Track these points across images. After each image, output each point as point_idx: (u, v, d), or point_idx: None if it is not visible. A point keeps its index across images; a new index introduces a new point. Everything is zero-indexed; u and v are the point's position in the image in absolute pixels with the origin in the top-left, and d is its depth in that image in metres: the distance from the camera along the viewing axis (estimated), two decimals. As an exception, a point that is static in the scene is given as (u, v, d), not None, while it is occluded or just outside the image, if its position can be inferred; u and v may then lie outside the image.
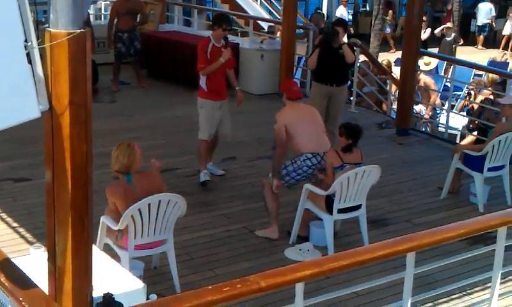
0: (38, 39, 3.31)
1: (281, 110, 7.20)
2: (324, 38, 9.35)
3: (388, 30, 23.67)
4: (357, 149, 6.83)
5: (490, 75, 13.23)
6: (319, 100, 9.11)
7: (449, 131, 11.34)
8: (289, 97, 7.19)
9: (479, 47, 24.99)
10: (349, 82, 10.36)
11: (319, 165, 6.95)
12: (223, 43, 8.15)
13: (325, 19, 20.09)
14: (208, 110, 8.19)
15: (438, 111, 13.60)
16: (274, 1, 21.81)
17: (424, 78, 13.25)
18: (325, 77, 9.13)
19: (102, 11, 16.05)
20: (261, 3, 21.15)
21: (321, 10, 24.04)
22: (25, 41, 3.24)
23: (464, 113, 12.68)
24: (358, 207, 6.78)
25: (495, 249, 4.92)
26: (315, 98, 9.22)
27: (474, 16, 26.03)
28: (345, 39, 9.94)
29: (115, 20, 12.30)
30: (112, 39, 12.28)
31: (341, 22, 10.51)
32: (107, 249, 5.68)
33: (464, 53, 20.97)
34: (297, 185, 7.10)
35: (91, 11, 14.48)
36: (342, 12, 23.25)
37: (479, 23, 25.64)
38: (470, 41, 25.11)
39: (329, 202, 6.66)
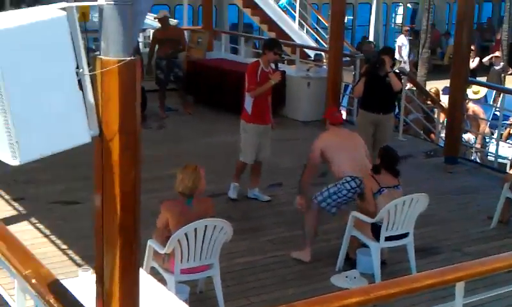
0: (89, 66, 3.38)
1: (321, 134, 7.28)
2: (371, 67, 9.33)
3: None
4: (393, 174, 6.76)
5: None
6: (365, 127, 9.08)
7: (499, 160, 11.17)
8: (331, 122, 7.26)
9: None
10: (396, 110, 10.30)
11: (359, 189, 6.92)
12: (271, 69, 8.23)
13: (374, 48, 20.06)
14: (252, 135, 8.28)
15: (487, 140, 13.40)
16: (320, 29, 21.86)
17: (472, 107, 13.08)
18: (372, 105, 9.11)
19: (150, 39, 16.29)
20: (307, 31, 21.22)
21: (368, 38, 24.03)
22: (77, 68, 3.31)
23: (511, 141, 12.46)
24: (406, 235, 6.70)
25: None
26: (361, 126, 9.21)
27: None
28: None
29: (156, 48, 12.51)
30: (153, 66, 12.51)
31: (388, 50, 10.48)
32: (154, 272, 5.72)
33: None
34: (338, 210, 7.07)
35: (140, 39, 14.74)
36: (403, 41, 22.95)
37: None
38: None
39: (375, 229, 6.60)
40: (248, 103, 8.29)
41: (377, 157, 6.95)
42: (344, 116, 13.38)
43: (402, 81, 9.76)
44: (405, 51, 22.51)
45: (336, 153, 6.99)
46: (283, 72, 12.79)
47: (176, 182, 5.77)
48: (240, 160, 8.49)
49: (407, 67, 21.82)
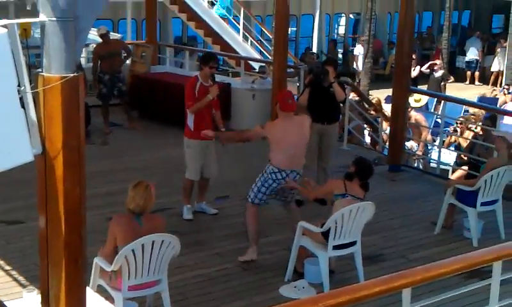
0: (30, 84, 3.33)
1: (273, 122, 7.42)
2: (314, 77, 9.42)
3: None
4: (362, 187, 6.84)
5: (477, 110, 13.32)
6: (311, 137, 9.14)
7: (441, 166, 11.39)
8: (282, 108, 7.27)
9: (467, 82, 25.30)
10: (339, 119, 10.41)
11: (283, 181, 7.17)
12: (211, 82, 8.24)
13: (317, 59, 20.29)
14: (195, 150, 8.26)
15: (429, 147, 13.66)
16: (264, 41, 22.00)
17: (414, 115, 13.34)
18: (316, 116, 9.13)
19: (93, 55, 16.13)
20: (252, 44, 21.33)
21: (311, 49, 24.28)
22: (18, 85, 3.26)
23: (453, 148, 12.74)
24: (353, 244, 6.77)
25: (490, 283, 4.91)
26: None
27: (461, 53, 26.44)
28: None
29: (99, 63, 12.41)
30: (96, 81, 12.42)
31: (331, 61, 10.61)
32: (101, 290, 5.65)
33: (454, 89, 21.14)
34: (266, 201, 7.30)
35: (83, 54, 14.58)
36: (360, 50, 22.97)
37: (467, 59, 26.01)
38: (458, 77, 25.39)
39: (326, 236, 6.65)
40: (190, 119, 8.28)
41: (351, 165, 6.93)
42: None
43: (346, 91, 9.86)
44: (361, 61, 22.66)
45: (277, 144, 7.15)
46: (227, 85, 12.88)
47: (127, 199, 5.71)
48: (186, 178, 8.44)
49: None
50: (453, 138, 12.87)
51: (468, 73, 25.91)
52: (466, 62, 26.17)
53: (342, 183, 6.83)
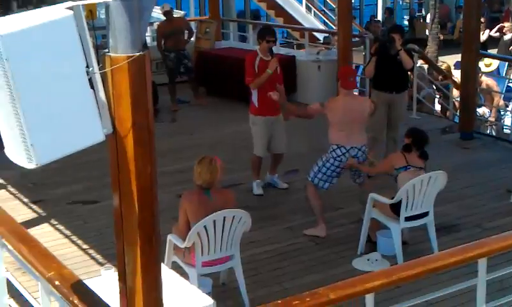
0: (98, 64, 3.37)
1: (334, 102, 7.32)
2: (381, 46, 9.26)
3: None
4: (421, 157, 6.73)
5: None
6: (379, 107, 9.00)
7: (515, 132, 11.08)
8: (342, 86, 7.23)
9: None
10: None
11: (345, 158, 7.09)
12: (271, 56, 8.16)
13: (382, 27, 19.95)
14: (261, 127, 8.21)
15: (502, 113, 13.29)
16: (328, 12, 21.76)
17: (485, 81, 12.98)
18: (384, 85, 9.02)
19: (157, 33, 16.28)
20: (315, 14, 21.12)
21: (376, 18, 23.89)
22: (87, 66, 3.30)
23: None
24: (426, 214, 6.67)
25: None
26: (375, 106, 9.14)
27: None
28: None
29: (163, 41, 12.50)
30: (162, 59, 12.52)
31: (397, 28, 10.37)
32: (176, 266, 5.73)
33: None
34: (331, 184, 7.24)
35: (148, 33, 14.73)
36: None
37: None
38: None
39: (396, 208, 6.57)
40: (254, 95, 8.24)
41: (405, 136, 6.89)
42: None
43: (414, 59, 9.66)
44: None
45: (336, 122, 7.10)
46: (291, 57, 12.80)
47: (194, 175, 5.77)
48: (254, 155, 8.44)
49: None
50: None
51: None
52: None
53: (402, 156, 6.74)
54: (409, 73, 9.51)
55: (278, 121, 8.34)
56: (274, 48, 8.44)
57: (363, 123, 7.28)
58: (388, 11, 25.68)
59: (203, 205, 5.65)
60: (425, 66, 13.71)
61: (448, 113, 12.63)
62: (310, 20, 20.50)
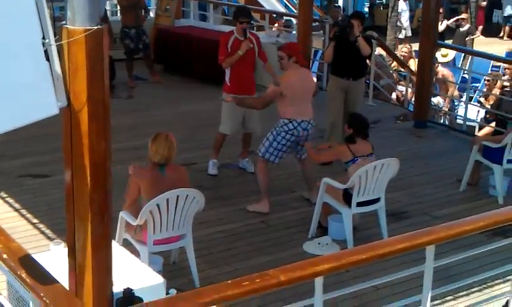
0: (55, 36, 3.32)
1: (288, 77, 7.41)
2: (339, 31, 9.29)
3: None
4: (366, 141, 6.83)
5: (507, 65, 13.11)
6: (336, 93, 9.07)
7: (467, 123, 11.26)
8: (300, 61, 7.46)
9: (505, 38, 24.74)
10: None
11: (296, 131, 7.25)
12: (248, 37, 8.18)
13: (342, 12, 20.00)
14: (231, 105, 8.17)
15: (456, 103, 13.50)
16: (289, -5, 21.71)
17: (441, 71, 13.16)
18: (341, 71, 9.02)
19: (119, 7, 16.07)
20: (277, -4, 21.06)
21: (337, 3, 23.96)
22: (43, 38, 3.24)
23: (479, 104, 12.57)
24: (377, 200, 6.76)
25: (515, 242, 4.88)
26: (332, 92, 9.17)
27: (498, 6, 25.82)
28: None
29: (120, 17, 12.32)
30: (120, 35, 12.33)
31: (357, 14, 10.40)
32: (126, 244, 5.70)
33: (487, 44, 20.77)
34: (281, 159, 7.40)
35: (107, 7, 14.52)
36: (402, 7, 22.42)
37: (506, 14, 25.40)
38: (494, 32, 24.88)
39: (347, 195, 6.64)
40: (226, 73, 8.26)
41: (346, 128, 6.99)
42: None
43: (372, 46, 9.72)
44: (405, 17, 22.22)
45: (288, 97, 7.23)
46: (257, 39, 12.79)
47: (149, 153, 5.73)
48: (219, 132, 8.40)
49: (408, 33, 21.68)
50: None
51: (506, 28, 25.23)
52: (504, 17, 25.52)
53: (347, 149, 6.80)
54: (367, 61, 9.55)
55: None
56: (234, 29, 8.41)
57: (311, 96, 7.51)
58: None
59: (156, 181, 5.63)
60: (385, 54, 13.83)
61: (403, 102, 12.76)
62: (271, 2, 20.44)
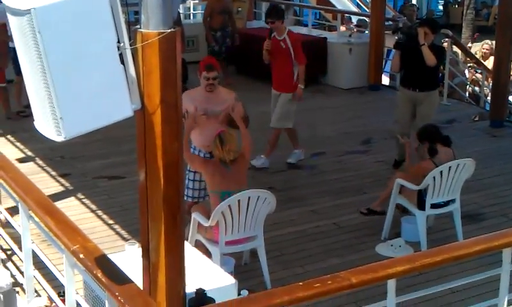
0: (129, 40, 3.38)
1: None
2: (405, 38, 8.89)
3: None
4: (447, 148, 6.67)
5: None
6: (402, 105, 8.35)
7: (546, 122, 10.92)
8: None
9: None
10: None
11: None
12: (285, 37, 8.34)
13: (417, 10, 19.68)
14: (272, 98, 8.57)
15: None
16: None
17: (519, 69, 12.77)
18: (408, 81, 8.26)
19: (191, 10, 16.26)
20: (349, -4, 20.90)
21: (411, 1, 23.59)
22: (118, 42, 3.31)
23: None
24: (452, 202, 6.61)
25: None
26: (399, 103, 8.50)
27: None
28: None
29: (208, 19, 12.41)
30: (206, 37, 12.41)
31: (426, 21, 9.44)
32: (199, 245, 5.76)
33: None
34: None
35: (180, 10, 14.70)
36: None
37: None
38: None
39: (421, 197, 6.53)
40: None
41: (422, 144, 6.69)
42: (388, 82, 13.23)
43: (446, 44, 9.43)
44: None
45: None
46: (323, 39, 12.70)
47: (222, 154, 5.77)
48: (287, 128, 8.67)
49: None
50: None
51: None
52: None
53: (430, 163, 6.56)
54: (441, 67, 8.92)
55: (276, 98, 8.56)
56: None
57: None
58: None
59: (220, 174, 5.75)
60: (460, 52, 13.52)
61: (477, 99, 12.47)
62: (343, 2, 20.31)
